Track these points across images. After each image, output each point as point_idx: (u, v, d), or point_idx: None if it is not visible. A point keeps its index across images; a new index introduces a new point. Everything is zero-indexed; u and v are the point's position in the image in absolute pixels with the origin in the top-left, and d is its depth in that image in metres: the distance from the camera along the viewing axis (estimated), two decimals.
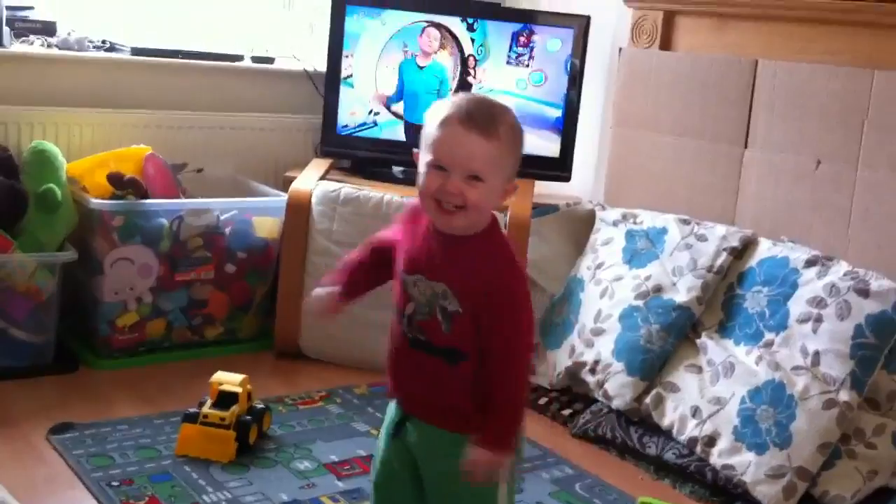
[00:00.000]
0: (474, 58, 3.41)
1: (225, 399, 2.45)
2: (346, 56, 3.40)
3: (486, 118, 1.58)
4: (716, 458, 2.46)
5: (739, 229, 2.84)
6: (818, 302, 2.51)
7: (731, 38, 3.08)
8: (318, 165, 3.38)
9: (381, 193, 3.08)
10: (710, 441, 2.48)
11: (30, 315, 2.81)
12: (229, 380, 2.48)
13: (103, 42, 3.28)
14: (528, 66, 3.41)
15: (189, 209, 2.99)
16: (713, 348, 2.65)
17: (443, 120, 1.58)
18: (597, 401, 2.81)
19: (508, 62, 3.41)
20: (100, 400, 2.68)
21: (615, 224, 3.07)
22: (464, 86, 3.42)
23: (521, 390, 1.66)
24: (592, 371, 2.81)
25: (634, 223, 3.03)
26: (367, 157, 3.50)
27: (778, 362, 2.49)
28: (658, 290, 2.81)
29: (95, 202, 2.85)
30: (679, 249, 2.85)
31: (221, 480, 2.29)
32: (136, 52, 3.24)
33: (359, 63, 3.42)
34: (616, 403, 2.71)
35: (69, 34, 3.20)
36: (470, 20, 3.39)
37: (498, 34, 3.40)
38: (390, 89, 3.44)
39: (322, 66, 3.47)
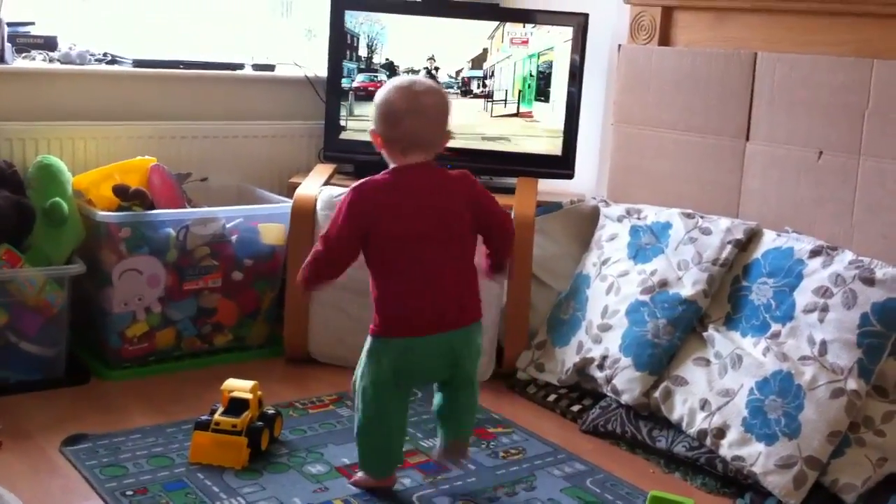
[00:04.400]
0: None
1: (236, 406, 2.47)
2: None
3: None
4: (726, 450, 2.46)
5: (743, 221, 2.85)
6: (824, 291, 2.51)
7: (730, 32, 3.09)
8: (322, 171, 3.39)
9: None
10: (720, 433, 2.49)
11: (41, 329, 2.82)
12: (240, 386, 2.50)
13: (105, 55, 3.30)
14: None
15: (195, 218, 3.01)
16: (720, 341, 2.66)
17: None
18: (606, 396, 2.82)
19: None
20: (112, 411, 2.70)
21: (619, 220, 3.08)
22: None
23: None
24: (601, 367, 2.82)
25: (638, 218, 3.04)
26: (369, 161, 3.51)
27: (785, 353, 2.50)
28: (664, 284, 2.82)
29: (102, 214, 2.87)
30: (684, 243, 2.86)
31: (235, 486, 2.31)
32: (138, 63, 3.26)
33: None
34: (625, 398, 2.73)
35: (70, 48, 3.22)
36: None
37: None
38: None
39: (323, 71, 3.49)
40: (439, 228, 2.20)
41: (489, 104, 3.48)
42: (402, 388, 2.27)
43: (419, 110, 2.20)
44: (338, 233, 2.21)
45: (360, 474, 2.36)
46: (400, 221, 2.19)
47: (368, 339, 2.26)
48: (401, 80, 2.26)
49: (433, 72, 3.46)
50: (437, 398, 2.37)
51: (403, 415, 2.32)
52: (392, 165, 2.27)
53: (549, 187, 3.47)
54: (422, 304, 2.19)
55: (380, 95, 2.23)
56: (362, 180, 2.26)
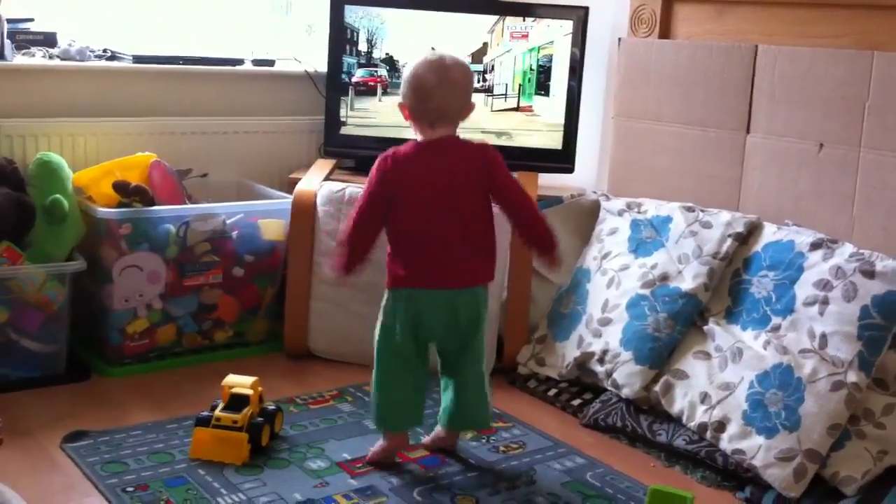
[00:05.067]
0: None
1: (237, 401, 2.47)
2: None
3: None
4: (726, 444, 2.46)
5: (744, 215, 2.84)
6: (824, 284, 2.51)
7: (730, 25, 3.08)
8: (322, 166, 3.39)
9: None
10: (720, 426, 2.49)
11: (41, 326, 2.83)
12: (240, 382, 2.50)
13: (104, 51, 3.30)
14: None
15: (195, 214, 3.01)
16: (721, 334, 2.65)
17: None
18: (606, 390, 2.82)
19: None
20: (113, 407, 2.71)
21: (620, 214, 3.08)
22: None
23: None
24: (601, 361, 2.82)
25: (639, 212, 3.03)
26: (370, 156, 3.50)
27: (785, 346, 2.49)
28: (664, 278, 2.82)
29: (102, 211, 2.87)
30: (684, 237, 2.86)
31: (236, 482, 2.31)
32: (138, 59, 3.25)
33: None
34: (625, 392, 2.72)
35: (70, 44, 3.22)
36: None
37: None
38: None
39: (323, 66, 3.49)
40: (452, 199, 2.36)
41: (489, 98, 3.48)
42: (413, 342, 2.41)
43: (448, 84, 2.35)
44: (367, 196, 2.41)
45: (373, 447, 2.46)
46: (416, 190, 2.36)
47: (384, 294, 2.44)
48: (429, 55, 2.40)
49: None
50: (444, 390, 2.52)
51: (418, 373, 2.45)
52: (419, 137, 2.41)
53: (549, 181, 3.47)
54: (426, 261, 2.36)
55: (410, 71, 2.38)
56: (390, 149, 2.42)
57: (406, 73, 2.40)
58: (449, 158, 2.38)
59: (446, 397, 2.50)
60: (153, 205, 2.96)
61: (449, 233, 2.37)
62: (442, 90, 2.34)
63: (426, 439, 2.57)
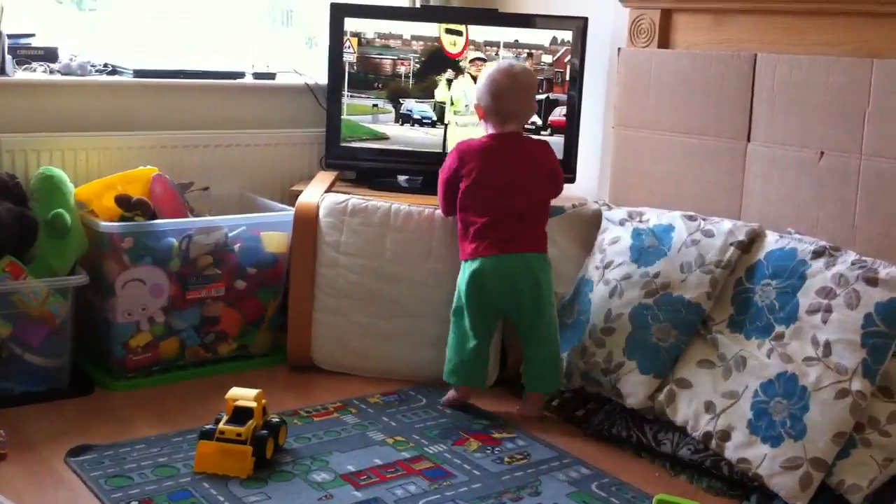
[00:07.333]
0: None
1: (240, 414, 2.47)
2: None
3: None
4: (731, 453, 2.46)
5: (745, 223, 2.84)
6: (827, 292, 2.51)
7: (729, 34, 3.09)
8: (324, 178, 3.40)
9: (389, 203, 3.10)
10: (725, 435, 2.49)
11: (44, 340, 2.83)
12: (244, 395, 2.50)
13: (105, 66, 3.30)
14: None
15: (197, 228, 3.01)
16: (724, 343, 2.65)
17: None
18: (610, 400, 2.81)
19: None
20: (117, 421, 2.70)
21: (621, 223, 3.08)
22: None
23: None
24: (605, 371, 2.82)
25: (640, 221, 3.03)
26: (371, 168, 3.53)
27: (789, 354, 2.49)
28: (667, 287, 2.82)
29: (104, 225, 2.88)
30: (686, 246, 2.86)
31: (240, 495, 2.31)
32: (139, 74, 3.26)
33: None
34: (629, 402, 2.72)
35: (71, 59, 3.23)
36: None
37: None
38: None
39: (323, 79, 3.50)
40: (527, 182, 2.82)
41: None
42: (480, 309, 2.81)
43: (519, 88, 2.81)
44: (443, 179, 2.91)
45: (449, 393, 2.91)
46: (484, 176, 2.80)
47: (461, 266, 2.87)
48: (501, 63, 2.90)
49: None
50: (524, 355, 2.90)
51: (482, 337, 2.83)
52: (490, 132, 2.86)
53: None
54: (487, 237, 2.78)
55: (486, 76, 2.83)
56: (464, 141, 2.90)
57: (482, 79, 2.84)
58: (523, 149, 2.85)
59: (524, 363, 2.87)
60: (155, 218, 2.97)
61: (510, 214, 2.78)
62: (513, 93, 2.79)
63: (517, 410, 2.88)
